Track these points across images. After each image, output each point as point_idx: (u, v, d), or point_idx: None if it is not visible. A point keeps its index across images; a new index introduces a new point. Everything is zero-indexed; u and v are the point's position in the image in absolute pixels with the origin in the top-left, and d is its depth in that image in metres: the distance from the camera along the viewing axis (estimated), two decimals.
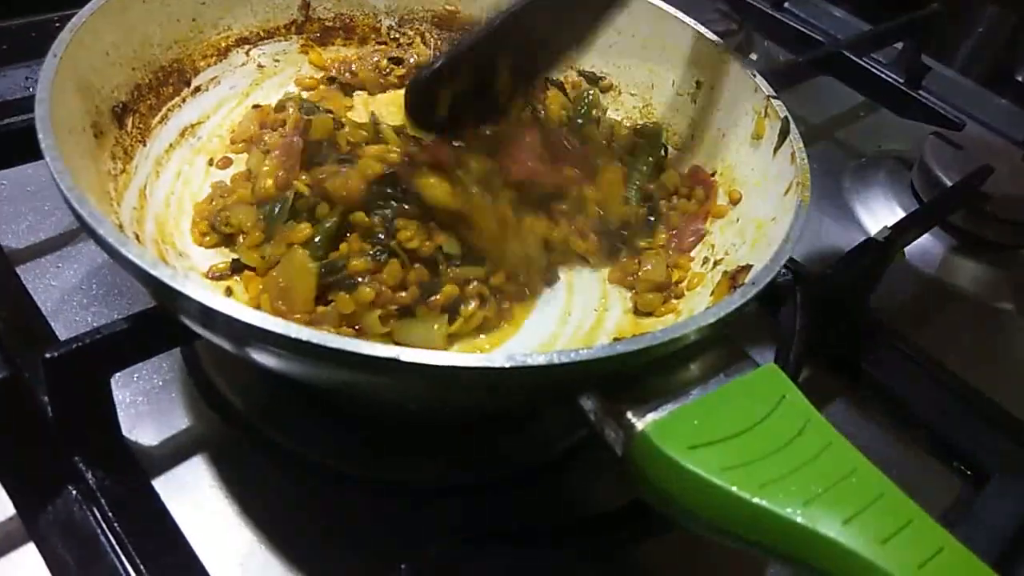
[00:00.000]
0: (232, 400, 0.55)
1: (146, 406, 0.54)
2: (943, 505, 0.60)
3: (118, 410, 0.49)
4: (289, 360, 0.38)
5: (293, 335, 0.35)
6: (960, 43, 1.25)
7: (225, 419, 0.54)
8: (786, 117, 0.58)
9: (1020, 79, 1.23)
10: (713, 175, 0.66)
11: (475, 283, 0.56)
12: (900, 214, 0.85)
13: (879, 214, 0.86)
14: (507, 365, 0.36)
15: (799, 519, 0.35)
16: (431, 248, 0.55)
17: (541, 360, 0.37)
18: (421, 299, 0.54)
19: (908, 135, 0.98)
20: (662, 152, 0.69)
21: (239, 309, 0.36)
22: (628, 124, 0.73)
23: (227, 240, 0.58)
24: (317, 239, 0.55)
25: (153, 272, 0.37)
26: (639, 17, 0.71)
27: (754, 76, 0.62)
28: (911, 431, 0.64)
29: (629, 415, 0.39)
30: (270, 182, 0.58)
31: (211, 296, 0.36)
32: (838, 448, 0.38)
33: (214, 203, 0.60)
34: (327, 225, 0.55)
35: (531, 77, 0.62)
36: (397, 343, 0.53)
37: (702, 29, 0.69)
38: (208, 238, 0.59)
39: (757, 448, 0.38)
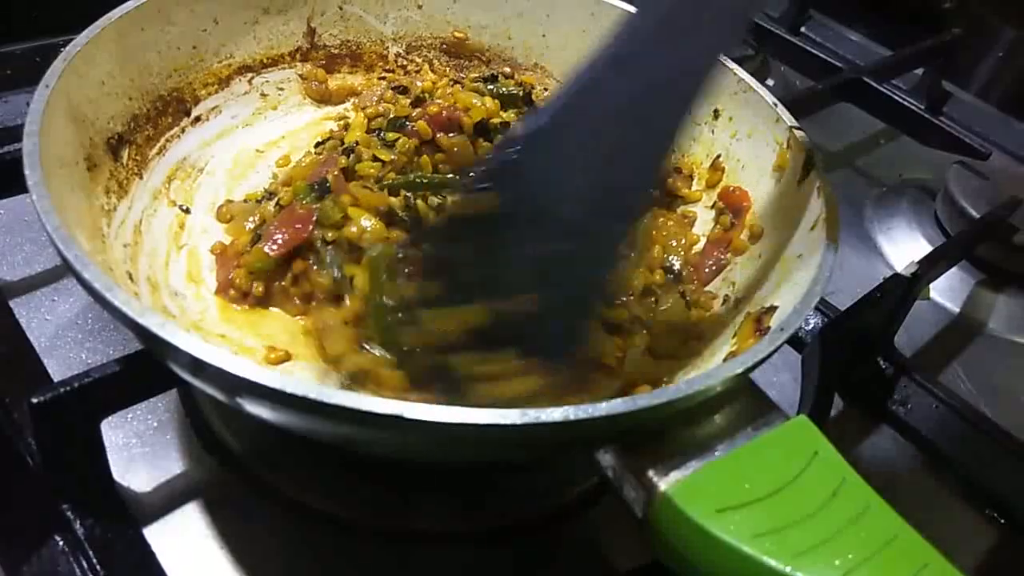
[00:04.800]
0: (230, 443, 0.53)
1: (139, 449, 0.52)
2: (977, 556, 0.57)
3: (110, 453, 0.47)
4: (286, 414, 0.36)
5: (288, 390, 0.33)
6: (979, 68, 1.23)
7: (222, 463, 0.52)
8: (810, 149, 0.55)
9: None
10: (747, 197, 0.62)
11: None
12: (925, 245, 0.83)
13: (903, 246, 0.84)
14: (520, 422, 0.33)
15: None
16: None
17: (556, 416, 0.34)
18: None
19: (930, 163, 0.95)
20: None
21: (229, 360, 0.33)
22: None
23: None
24: None
25: (140, 320, 0.35)
26: None
27: (775, 106, 0.60)
28: (941, 477, 0.62)
29: (650, 473, 0.36)
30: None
31: (200, 346, 0.34)
32: (877, 511, 0.36)
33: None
34: None
35: None
36: None
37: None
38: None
39: (790, 511, 0.35)
